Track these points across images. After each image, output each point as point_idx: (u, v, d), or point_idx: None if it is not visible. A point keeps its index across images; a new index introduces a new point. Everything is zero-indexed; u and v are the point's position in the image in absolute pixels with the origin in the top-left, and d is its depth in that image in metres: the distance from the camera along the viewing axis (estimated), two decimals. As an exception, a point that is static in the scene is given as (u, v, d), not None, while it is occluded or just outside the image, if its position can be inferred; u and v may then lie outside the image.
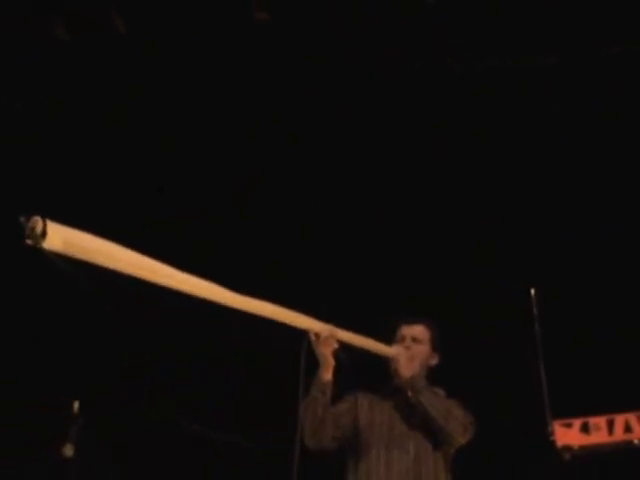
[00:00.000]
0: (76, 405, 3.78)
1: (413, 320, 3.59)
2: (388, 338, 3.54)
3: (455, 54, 5.30)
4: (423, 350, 3.52)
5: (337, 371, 3.32)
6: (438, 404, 3.33)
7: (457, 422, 3.32)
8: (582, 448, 3.65)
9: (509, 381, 4.70)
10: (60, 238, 2.30)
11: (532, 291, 3.92)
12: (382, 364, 3.45)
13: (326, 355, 3.26)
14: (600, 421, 3.65)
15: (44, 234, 2.25)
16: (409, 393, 3.37)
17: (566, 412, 3.73)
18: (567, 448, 3.65)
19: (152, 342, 5.05)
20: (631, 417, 3.61)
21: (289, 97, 5.51)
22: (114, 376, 5.02)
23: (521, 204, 5.21)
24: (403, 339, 3.52)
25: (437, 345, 3.58)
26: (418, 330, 3.56)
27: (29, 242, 2.26)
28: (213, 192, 5.61)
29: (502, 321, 4.79)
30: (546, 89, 5.26)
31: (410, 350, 3.46)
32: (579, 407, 3.75)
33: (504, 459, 4.74)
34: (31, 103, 5.35)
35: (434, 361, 3.56)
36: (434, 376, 3.52)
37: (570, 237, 5.05)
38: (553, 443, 3.69)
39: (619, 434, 3.62)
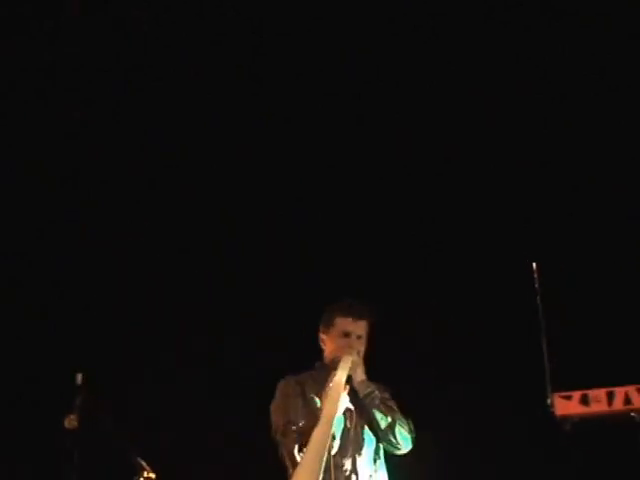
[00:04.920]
0: (79, 377, 3.79)
1: (360, 315, 3.53)
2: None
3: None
4: (364, 346, 3.53)
5: None
6: (386, 413, 3.37)
7: (402, 433, 3.38)
8: (581, 418, 3.68)
9: (510, 355, 4.75)
10: None
11: (534, 265, 3.93)
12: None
13: None
14: (600, 393, 3.68)
15: None
16: (360, 394, 3.38)
17: (567, 387, 3.78)
18: (566, 418, 3.68)
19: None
20: (631, 390, 3.64)
21: (293, 97, 5.46)
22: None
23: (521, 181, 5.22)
24: (348, 335, 3.49)
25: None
26: (363, 327, 3.53)
27: None
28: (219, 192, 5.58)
29: (504, 295, 4.82)
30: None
31: (358, 352, 3.45)
32: (580, 381, 3.79)
33: (505, 433, 4.81)
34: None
35: None
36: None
37: (572, 210, 5.07)
38: (553, 414, 3.72)
39: (619, 405, 3.66)
